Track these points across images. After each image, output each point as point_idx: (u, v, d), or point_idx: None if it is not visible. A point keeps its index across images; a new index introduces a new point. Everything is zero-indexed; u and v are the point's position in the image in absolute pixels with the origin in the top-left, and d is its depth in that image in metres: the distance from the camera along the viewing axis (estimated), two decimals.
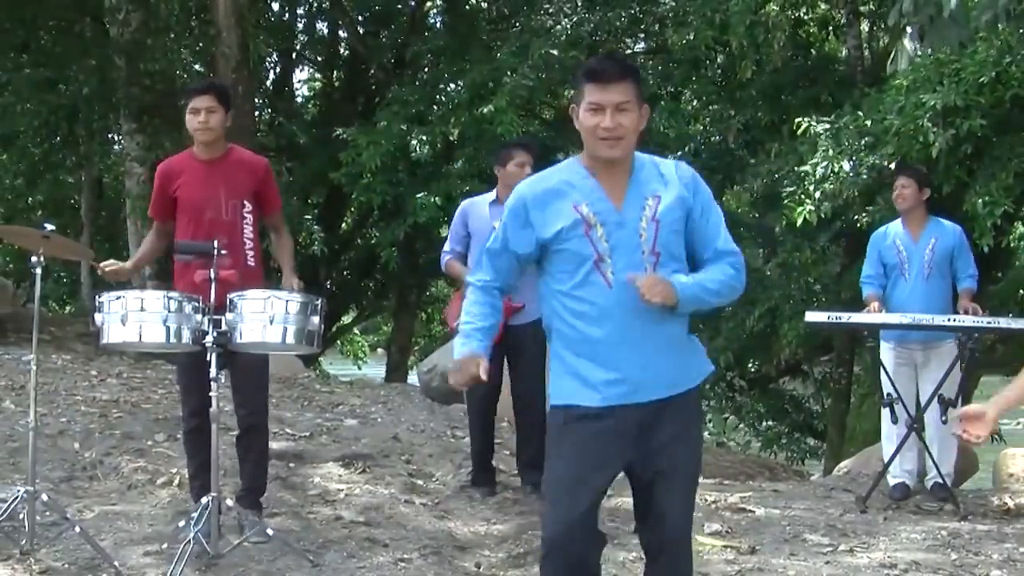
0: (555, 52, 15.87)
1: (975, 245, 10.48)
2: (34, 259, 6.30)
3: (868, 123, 11.67)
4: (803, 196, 11.81)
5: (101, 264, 6.84)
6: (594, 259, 4.31)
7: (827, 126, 12.31)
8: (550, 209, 4.37)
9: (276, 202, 7.13)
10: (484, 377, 4.39)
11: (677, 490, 4.44)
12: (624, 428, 4.34)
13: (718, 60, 17.92)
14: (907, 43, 10.01)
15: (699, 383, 4.51)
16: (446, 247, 8.26)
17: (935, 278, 8.76)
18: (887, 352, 8.86)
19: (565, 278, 4.38)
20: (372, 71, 22.76)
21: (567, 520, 4.35)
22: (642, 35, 20.72)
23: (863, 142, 11.68)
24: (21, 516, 6.24)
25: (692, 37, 15.94)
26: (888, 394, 8.66)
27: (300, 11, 24.68)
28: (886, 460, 8.87)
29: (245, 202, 6.88)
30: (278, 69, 25.16)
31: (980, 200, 10.73)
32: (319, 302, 6.33)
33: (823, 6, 18.52)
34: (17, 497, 6.25)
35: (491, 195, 8.16)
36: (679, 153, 17.11)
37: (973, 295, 8.73)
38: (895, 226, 9.02)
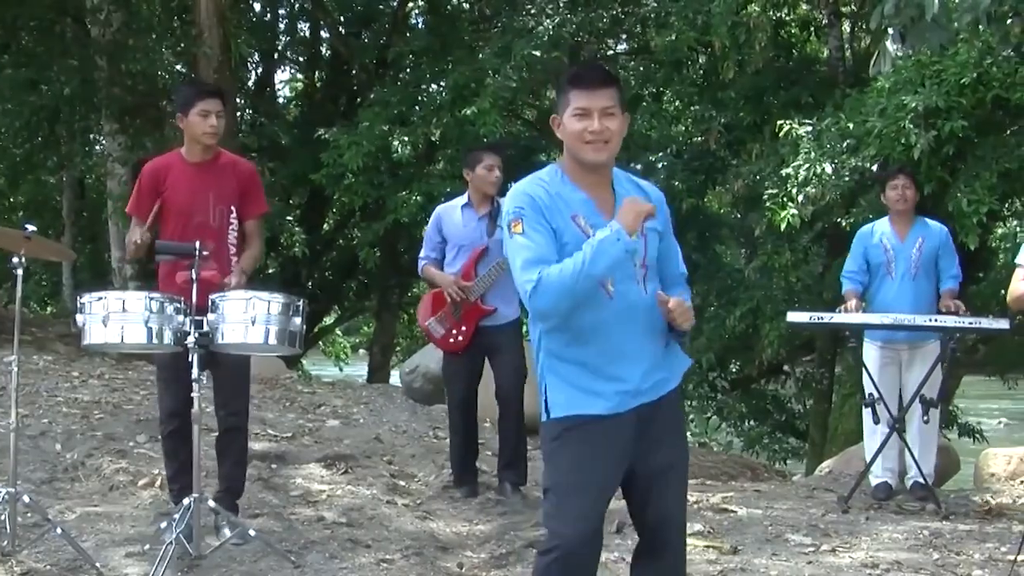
0: (537, 53, 15.86)
1: (961, 245, 10.53)
2: (15, 260, 6.28)
3: (850, 125, 11.69)
4: (786, 199, 11.83)
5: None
6: None
7: (809, 128, 12.33)
8: (554, 213, 4.33)
9: (257, 207, 7.06)
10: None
11: (675, 487, 4.52)
12: (624, 430, 4.36)
13: (700, 61, 17.91)
14: (889, 45, 10.01)
15: (679, 383, 4.57)
16: (422, 253, 8.32)
17: (921, 278, 8.79)
18: (872, 351, 8.87)
19: None
20: (354, 72, 22.73)
21: (582, 524, 4.36)
22: (624, 36, 20.75)
23: (845, 144, 11.71)
24: (2, 517, 6.22)
25: (674, 38, 15.93)
26: (870, 394, 8.66)
27: (282, 11, 24.65)
28: (868, 460, 8.88)
29: (232, 207, 6.88)
30: (260, 69, 25.11)
31: (965, 200, 10.75)
32: (301, 303, 6.32)
33: (804, 7, 18.53)
34: None
35: (463, 199, 8.20)
36: (661, 154, 17.15)
37: (955, 295, 8.75)
38: (882, 224, 9.02)
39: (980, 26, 9.48)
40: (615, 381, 4.35)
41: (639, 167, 16.64)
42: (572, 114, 4.33)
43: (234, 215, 6.88)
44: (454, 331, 8.10)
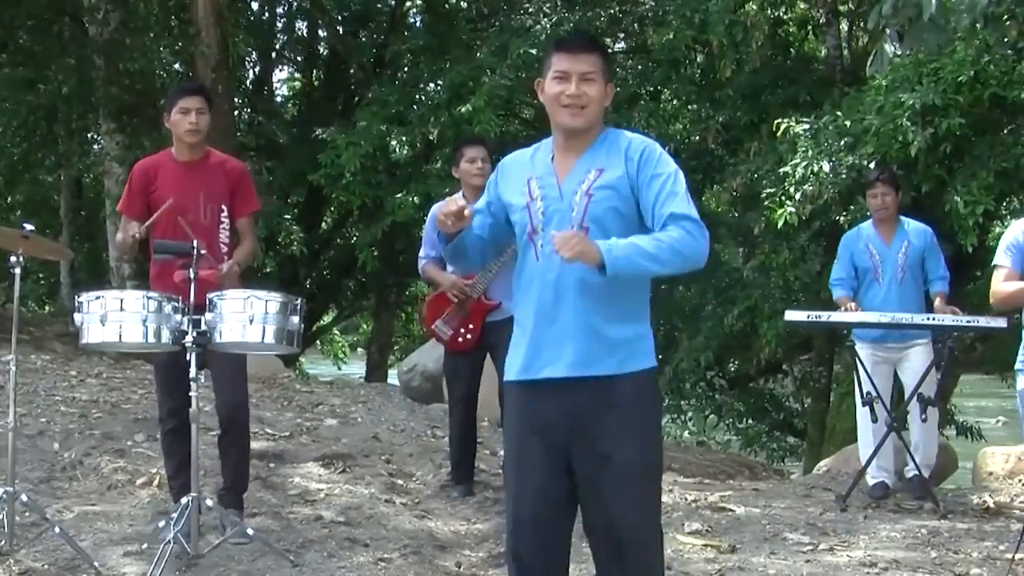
0: (534, 52, 15.85)
1: (959, 245, 10.55)
2: (13, 259, 6.29)
3: (847, 123, 11.68)
4: (783, 197, 11.83)
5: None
6: (528, 231, 4.37)
7: (807, 126, 12.33)
8: (513, 180, 4.48)
9: (249, 206, 7.09)
10: (468, 213, 4.36)
11: (622, 483, 4.31)
12: (543, 402, 4.34)
13: (698, 60, 17.94)
14: (887, 47, 10.03)
15: (630, 372, 4.34)
16: (421, 252, 8.27)
17: (908, 281, 8.83)
18: (863, 352, 8.88)
19: (518, 252, 4.48)
20: (352, 71, 22.73)
21: (518, 494, 4.40)
22: (622, 35, 20.74)
23: (842, 142, 11.70)
24: (1, 517, 6.22)
25: (672, 37, 15.96)
26: (868, 393, 8.67)
27: (279, 10, 24.62)
28: (864, 459, 8.89)
29: (223, 206, 6.90)
30: (257, 68, 25.10)
31: (961, 200, 10.76)
32: (298, 302, 6.32)
33: (802, 6, 18.54)
34: None
35: (458, 196, 8.15)
36: None
37: (947, 298, 8.77)
38: (866, 228, 9.08)
39: (977, 26, 9.50)
40: (527, 346, 4.38)
41: None
42: (552, 77, 4.36)
43: (225, 214, 6.91)
44: (462, 330, 8.04)
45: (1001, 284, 6.44)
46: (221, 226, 6.90)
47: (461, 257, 4.66)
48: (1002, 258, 6.53)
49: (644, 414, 4.42)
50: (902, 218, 9.07)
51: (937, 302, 8.74)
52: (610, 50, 20.55)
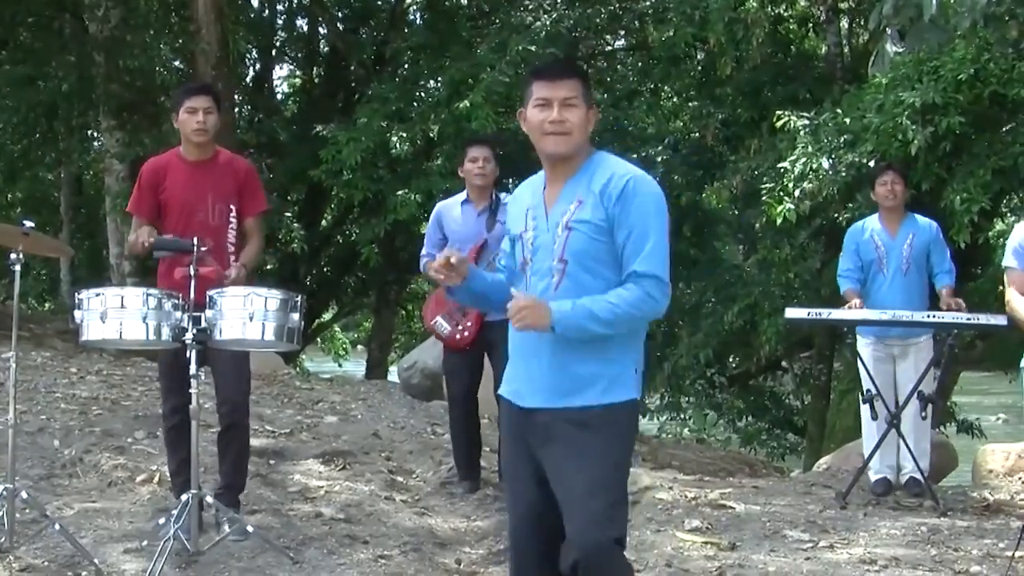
0: (534, 49, 15.87)
1: (952, 242, 10.55)
2: (13, 256, 6.28)
3: (847, 120, 11.69)
4: (782, 194, 11.84)
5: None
6: (520, 263, 4.39)
7: (807, 122, 12.33)
8: (517, 209, 4.48)
9: (257, 205, 7.08)
10: (456, 260, 4.30)
11: (572, 506, 4.25)
12: (524, 425, 4.38)
13: (698, 57, 17.96)
14: (888, 47, 10.05)
15: (598, 405, 4.27)
16: (423, 251, 8.26)
17: (913, 273, 8.79)
18: (865, 347, 8.87)
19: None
20: (352, 68, 22.71)
21: (515, 505, 4.48)
22: (622, 32, 20.77)
23: (842, 139, 11.70)
24: (1, 514, 6.22)
25: (672, 34, 16.00)
26: (868, 390, 8.67)
27: (280, 7, 24.65)
28: (866, 456, 8.89)
29: (231, 205, 6.90)
30: (258, 66, 25.10)
31: (958, 197, 10.76)
32: (299, 299, 6.32)
33: (803, 3, 18.57)
34: None
35: (463, 195, 8.18)
36: (659, 147, 17.12)
37: (954, 290, 8.76)
38: (872, 221, 9.03)
39: (978, 25, 9.52)
40: (511, 372, 4.47)
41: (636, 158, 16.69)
42: (534, 105, 4.34)
43: (233, 213, 6.91)
44: (459, 327, 8.04)
45: (1016, 301, 6.50)
46: (229, 226, 6.90)
47: (485, 303, 4.73)
48: (1010, 260, 6.55)
49: (606, 446, 4.31)
50: (909, 213, 9.05)
51: (944, 296, 8.73)
52: (610, 47, 20.60)
